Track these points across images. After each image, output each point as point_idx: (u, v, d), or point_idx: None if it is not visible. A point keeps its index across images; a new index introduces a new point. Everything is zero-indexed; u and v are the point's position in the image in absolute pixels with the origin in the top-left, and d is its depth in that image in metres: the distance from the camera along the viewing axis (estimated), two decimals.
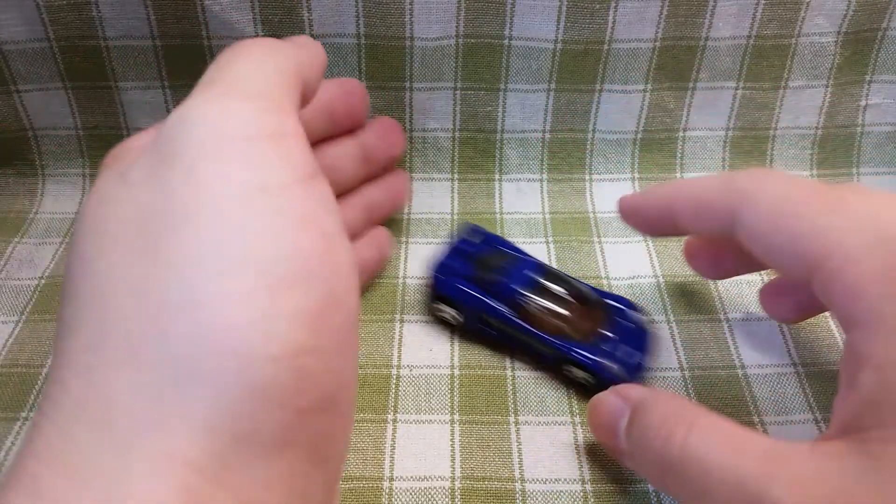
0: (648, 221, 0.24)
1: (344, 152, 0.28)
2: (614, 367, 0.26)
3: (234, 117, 0.16)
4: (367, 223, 0.30)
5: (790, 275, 0.19)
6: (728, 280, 0.31)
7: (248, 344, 0.14)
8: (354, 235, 0.29)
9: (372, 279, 0.31)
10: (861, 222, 0.17)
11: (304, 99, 0.20)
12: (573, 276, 0.30)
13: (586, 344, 0.26)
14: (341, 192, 0.28)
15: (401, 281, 0.31)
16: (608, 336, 0.27)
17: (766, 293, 0.27)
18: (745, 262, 0.25)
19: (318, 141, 0.28)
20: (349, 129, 0.29)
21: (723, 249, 0.26)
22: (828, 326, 0.29)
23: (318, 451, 0.16)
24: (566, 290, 0.28)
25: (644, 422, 0.21)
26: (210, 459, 0.14)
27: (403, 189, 0.32)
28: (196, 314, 0.14)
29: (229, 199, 0.15)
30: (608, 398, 0.23)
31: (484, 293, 0.27)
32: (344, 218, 0.22)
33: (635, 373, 0.26)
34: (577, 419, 0.26)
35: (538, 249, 0.33)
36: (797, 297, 0.25)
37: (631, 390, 0.22)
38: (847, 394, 0.17)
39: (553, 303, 0.27)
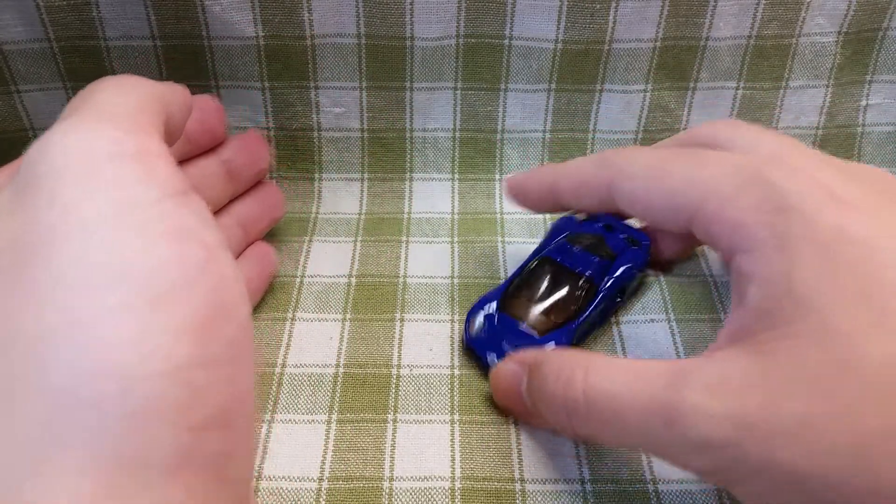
0: (533, 199, 0.27)
1: (206, 172, 0.27)
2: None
3: (96, 139, 0.16)
4: (244, 240, 0.29)
5: (671, 227, 0.21)
6: (728, 280, 0.31)
7: (128, 362, 0.13)
8: (234, 254, 0.27)
9: (260, 296, 0.29)
10: (728, 168, 0.20)
11: (170, 135, 0.20)
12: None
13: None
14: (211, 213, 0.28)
15: (401, 280, 0.31)
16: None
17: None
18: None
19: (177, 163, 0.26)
20: (208, 147, 0.28)
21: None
22: None
23: (217, 471, 0.15)
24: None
25: (541, 375, 0.22)
26: (99, 491, 0.13)
27: (277, 201, 0.31)
28: (73, 336, 0.13)
29: (97, 217, 0.14)
30: (504, 366, 0.25)
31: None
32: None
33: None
34: None
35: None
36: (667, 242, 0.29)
37: (525, 355, 0.24)
38: (735, 311, 0.19)
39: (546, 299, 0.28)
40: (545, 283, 0.28)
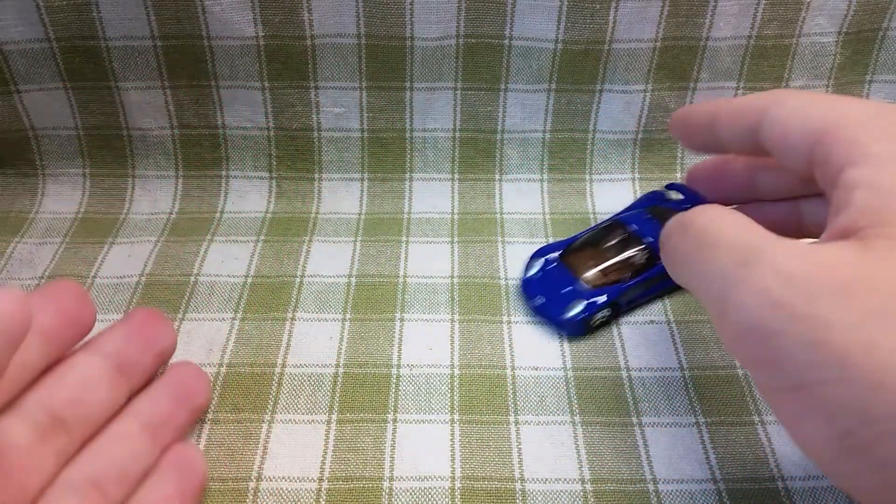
0: (696, 127, 0.26)
1: (85, 374, 0.21)
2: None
3: None
4: (153, 447, 0.22)
5: (795, 153, 0.21)
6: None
7: None
8: (146, 469, 0.22)
9: None
10: (867, 106, 0.20)
11: None
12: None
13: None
14: (99, 426, 0.21)
15: (401, 280, 0.31)
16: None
17: (692, 180, 0.29)
18: (740, 189, 0.27)
19: (38, 374, 0.21)
20: (77, 341, 0.22)
21: (721, 177, 0.28)
22: None
23: None
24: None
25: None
26: None
27: (196, 385, 0.24)
28: None
29: None
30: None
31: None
32: (122, 457, 0.20)
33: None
34: (577, 419, 0.26)
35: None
36: (720, 183, 0.28)
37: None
38: (835, 218, 0.19)
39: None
40: (609, 244, 0.30)
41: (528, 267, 0.31)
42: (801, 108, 0.21)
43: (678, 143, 0.29)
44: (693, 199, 0.30)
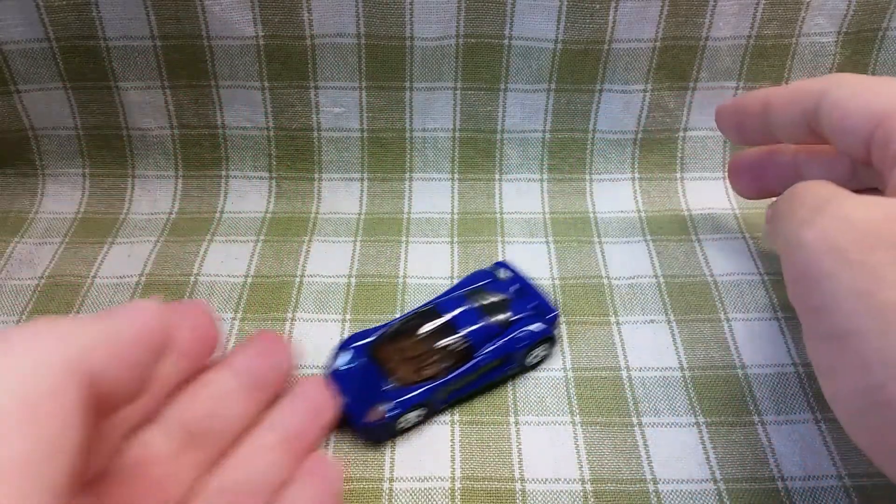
0: (746, 116, 0.26)
1: (220, 390, 0.22)
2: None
3: None
4: (293, 460, 0.23)
5: (854, 136, 0.21)
6: (728, 280, 0.31)
7: None
8: (282, 483, 0.22)
9: None
10: None
11: (108, 396, 0.16)
12: (572, 275, 0.30)
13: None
14: (234, 440, 0.22)
15: (400, 280, 0.31)
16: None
17: (736, 169, 0.29)
18: (784, 180, 0.27)
19: (174, 390, 0.22)
20: (207, 357, 0.23)
21: (766, 166, 0.28)
22: None
23: None
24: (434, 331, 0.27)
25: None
26: None
27: (322, 399, 0.24)
28: None
29: None
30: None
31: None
32: (259, 468, 0.21)
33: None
34: (577, 419, 0.26)
35: (538, 249, 0.33)
36: (764, 172, 0.29)
37: None
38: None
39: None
40: (423, 335, 0.26)
41: (335, 358, 0.27)
42: (862, 92, 0.22)
43: (725, 136, 0.28)
44: (520, 280, 0.29)
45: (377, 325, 0.28)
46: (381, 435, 0.25)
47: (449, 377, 0.25)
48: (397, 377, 0.25)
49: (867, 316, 0.16)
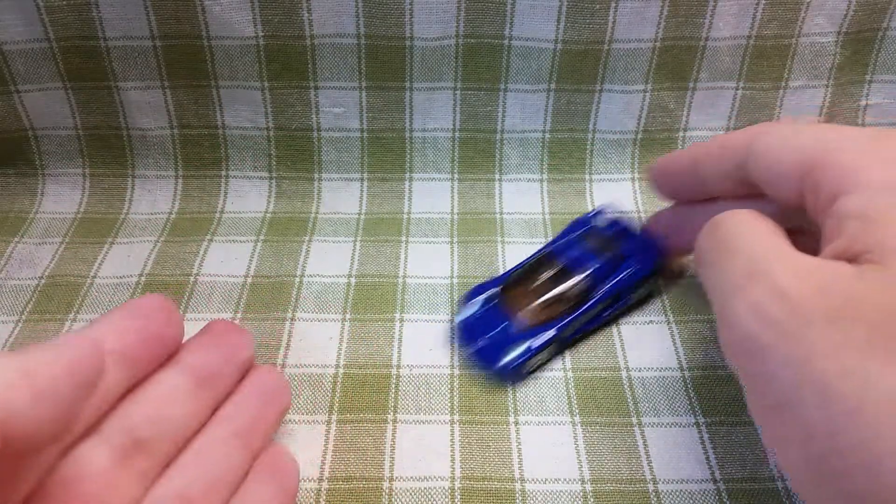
0: (675, 174, 0.27)
1: (166, 390, 0.21)
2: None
3: None
4: (246, 454, 0.22)
5: (784, 182, 0.21)
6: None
7: None
8: (239, 477, 0.21)
9: None
10: (856, 132, 0.20)
11: (36, 436, 0.15)
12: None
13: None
14: (185, 441, 0.21)
15: (400, 280, 0.31)
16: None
17: (660, 226, 0.29)
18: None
19: (123, 393, 0.20)
20: (164, 357, 0.22)
21: (687, 222, 0.27)
22: None
23: None
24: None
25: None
26: None
27: (277, 386, 0.24)
28: None
29: None
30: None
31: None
32: (213, 467, 0.20)
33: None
34: (577, 419, 0.26)
35: (539, 250, 0.33)
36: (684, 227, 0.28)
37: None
38: (831, 241, 0.19)
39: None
40: (544, 277, 0.28)
41: (464, 308, 0.29)
42: (790, 138, 0.21)
43: (658, 195, 0.28)
44: (620, 223, 0.31)
45: (496, 275, 0.30)
46: (514, 377, 0.27)
47: (572, 316, 0.27)
48: (525, 320, 0.27)
49: (805, 387, 0.16)
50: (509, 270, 0.30)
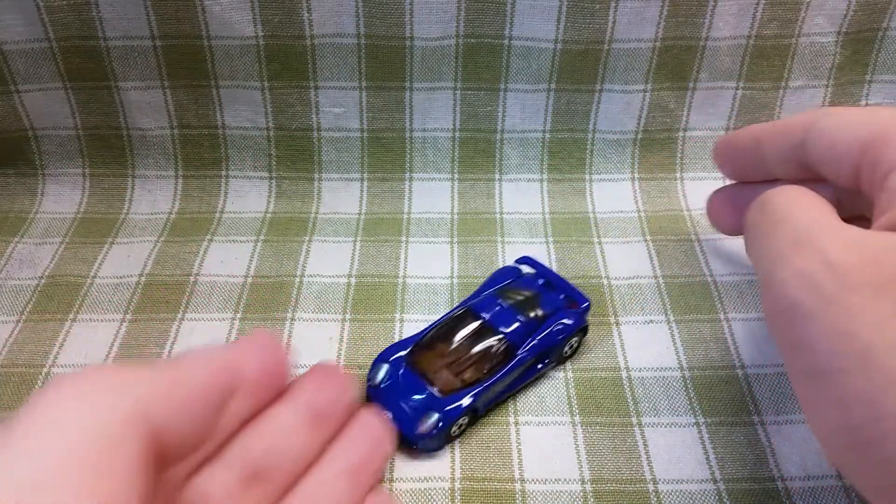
0: (739, 152, 0.26)
1: (283, 424, 0.22)
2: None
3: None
4: (359, 491, 0.22)
5: (842, 163, 0.21)
6: (728, 280, 0.31)
7: None
8: None
9: None
10: None
11: (175, 447, 0.17)
12: (572, 276, 0.30)
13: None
14: (298, 474, 0.22)
15: (400, 280, 0.31)
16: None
17: (717, 203, 0.29)
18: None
19: (240, 426, 0.21)
20: (276, 392, 0.22)
21: (745, 202, 0.27)
22: None
23: None
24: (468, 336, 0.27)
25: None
26: None
27: (380, 432, 0.24)
28: None
29: None
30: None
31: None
32: (324, 500, 0.21)
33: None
34: (577, 419, 0.26)
35: (538, 249, 0.33)
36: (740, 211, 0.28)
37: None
38: (885, 212, 0.19)
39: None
40: (460, 339, 0.26)
41: (373, 373, 0.26)
42: (847, 121, 0.22)
43: (723, 174, 0.28)
44: (546, 273, 0.30)
45: (408, 336, 0.28)
46: (435, 444, 0.25)
47: (494, 378, 0.25)
48: (440, 384, 0.25)
49: (848, 356, 0.16)
50: (424, 329, 0.28)
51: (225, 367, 0.18)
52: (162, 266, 0.32)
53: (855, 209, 0.23)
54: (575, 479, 0.24)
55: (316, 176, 0.36)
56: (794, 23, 0.33)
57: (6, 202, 0.35)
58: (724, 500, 0.23)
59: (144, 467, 0.15)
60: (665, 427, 0.26)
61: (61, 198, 0.36)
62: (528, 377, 0.27)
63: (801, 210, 0.20)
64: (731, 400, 0.26)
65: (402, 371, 0.26)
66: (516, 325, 0.27)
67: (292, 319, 0.29)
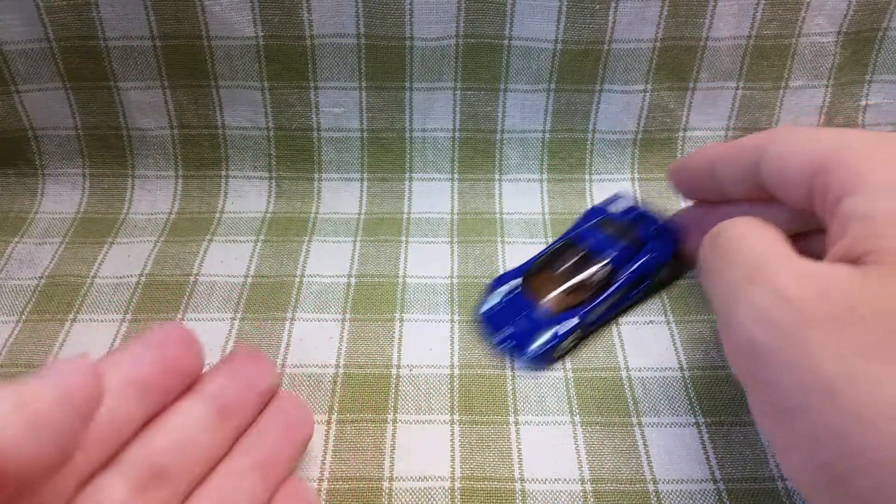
0: (693, 174, 0.27)
1: (187, 420, 0.21)
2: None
3: None
4: (265, 485, 0.21)
5: (794, 186, 0.21)
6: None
7: None
8: None
9: None
10: (863, 135, 0.21)
11: (32, 471, 0.15)
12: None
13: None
14: (206, 471, 0.21)
15: (400, 280, 0.31)
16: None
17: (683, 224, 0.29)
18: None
19: (142, 424, 0.20)
20: (183, 387, 0.21)
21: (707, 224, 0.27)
22: None
23: None
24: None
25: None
26: None
27: (299, 416, 0.23)
28: None
29: None
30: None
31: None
32: (233, 497, 0.20)
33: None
34: (577, 419, 0.26)
35: (538, 250, 0.33)
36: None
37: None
38: (835, 242, 0.19)
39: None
40: (567, 265, 0.29)
41: (488, 298, 0.29)
42: (800, 143, 0.22)
43: (679, 194, 0.29)
44: (637, 209, 0.31)
45: (516, 266, 0.30)
46: (543, 362, 0.27)
47: (596, 301, 0.28)
48: (551, 305, 0.28)
49: (811, 392, 0.16)
50: (531, 259, 0.30)
51: (86, 380, 0.17)
52: (162, 266, 0.32)
53: (812, 224, 0.23)
54: (575, 479, 0.24)
55: (316, 176, 0.36)
56: (794, 23, 0.33)
57: (6, 202, 0.35)
58: (724, 500, 0.23)
59: None
60: (665, 427, 0.26)
61: (61, 198, 0.36)
62: (626, 300, 0.29)
63: (753, 244, 0.20)
64: (731, 400, 0.26)
65: (514, 295, 0.29)
66: (616, 251, 0.29)
67: (292, 319, 0.29)
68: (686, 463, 0.24)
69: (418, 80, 0.34)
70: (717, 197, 0.26)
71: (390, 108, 0.35)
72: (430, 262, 0.32)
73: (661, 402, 0.26)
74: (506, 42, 0.33)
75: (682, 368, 0.28)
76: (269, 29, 0.32)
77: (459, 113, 0.35)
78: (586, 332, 0.28)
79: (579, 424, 0.26)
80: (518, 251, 0.33)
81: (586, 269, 0.28)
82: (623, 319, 0.29)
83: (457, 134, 0.36)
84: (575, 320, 0.27)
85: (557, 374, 0.27)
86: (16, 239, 0.34)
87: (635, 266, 0.29)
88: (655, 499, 0.23)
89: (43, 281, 0.31)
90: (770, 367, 0.17)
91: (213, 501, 0.20)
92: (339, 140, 0.35)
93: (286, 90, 0.34)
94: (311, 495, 0.22)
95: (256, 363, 0.23)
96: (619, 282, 0.28)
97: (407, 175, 0.36)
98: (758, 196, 0.24)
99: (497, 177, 0.36)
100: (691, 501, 0.23)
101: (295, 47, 0.33)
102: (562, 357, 0.28)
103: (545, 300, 0.28)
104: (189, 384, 0.21)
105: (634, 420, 0.26)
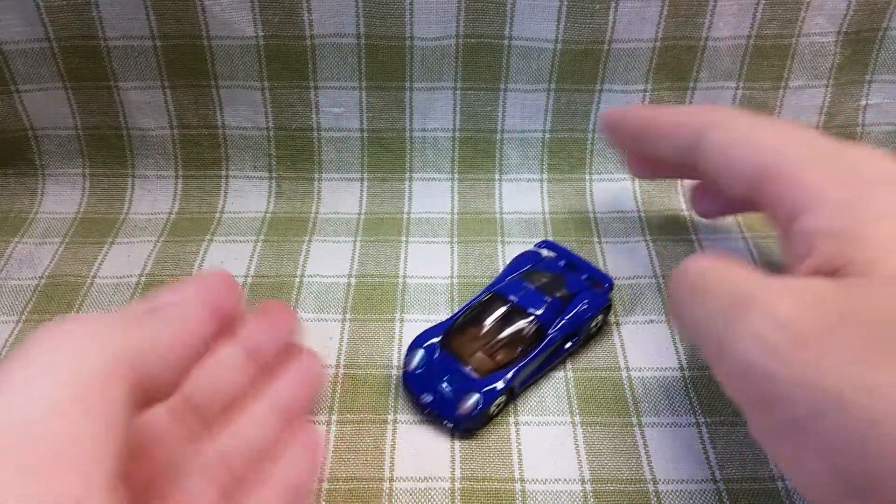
0: (629, 129, 0.27)
1: (221, 362, 0.23)
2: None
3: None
4: (284, 426, 0.24)
5: (737, 185, 0.22)
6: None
7: None
8: (275, 446, 0.23)
9: (306, 492, 0.24)
10: (810, 143, 0.22)
11: (154, 392, 0.18)
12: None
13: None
14: (231, 405, 0.23)
15: (400, 281, 0.31)
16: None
17: (697, 192, 0.29)
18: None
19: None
20: (225, 331, 0.23)
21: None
22: None
23: None
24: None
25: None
26: None
27: (312, 370, 0.25)
28: None
29: None
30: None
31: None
32: (254, 434, 0.23)
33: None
34: (577, 419, 0.26)
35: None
36: (720, 198, 0.29)
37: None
38: (804, 259, 0.20)
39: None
40: (492, 322, 0.27)
41: (409, 358, 0.27)
42: (746, 139, 0.22)
43: (605, 138, 0.28)
44: (566, 254, 0.31)
45: (438, 322, 0.28)
46: (476, 424, 0.25)
47: (527, 358, 0.26)
48: (476, 366, 0.26)
49: (822, 406, 0.16)
50: (455, 314, 0.28)
51: (202, 325, 0.20)
52: (162, 266, 0.32)
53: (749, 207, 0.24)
54: (575, 479, 0.24)
55: (316, 176, 0.36)
56: (794, 23, 0.33)
57: (6, 202, 0.35)
58: (724, 500, 0.23)
59: (127, 409, 0.16)
60: (665, 427, 0.26)
61: (61, 198, 0.36)
62: (557, 356, 0.27)
63: (729, 274, 0.20)
64: (731, 400, 0.26)
65: (436, 355, 0.27)
66: (545, 305, 0.27)
67: None
68: (686, 463, 0.24)
69: (418, 79, 0.34)
70: (649, 156, 0.27)
71: (390, 108, 0.35)
72: (430, 262, 0.32)
73: (661, 402, 0.26)
74: (506, 42, 0.33)
75: (682, 368, 0.28)
76: (270, 29, 0.32)
77: (459, 113, 0.35)
78: (515, 393, 0.26)
79: (579, 424, 0.26)
80: (518, 251, 0.33)
81: (512, 326, 0.27)
82: (623, 320, 0.29)
83: (457, 134, 0.36)
84: (505, 381, 0.25)
85: (557, 374, 0.27)
86: (16, 239, 0.34)
87: (563, 321, 0.27)
88: (655, 499, 0.23)
89: (43, 281, 0.31)
90: (774, 388, 0.17)
91: (236, 438, 0.22)
92: (339, 140, 0.35)
93: (286, 90, 0.34)
94: (320, 443, 0.25)
95: (286, 315, 0.26)
96: (548, 339, 0.26)
97: (407, 175, 0.36)
98: (687, 172, 0.25)
99: (497, 177, 0.36)
100: (691, 501, 0.23)
101: (295, 47, 0.33)
102: (492, 419, 0.26)
103: (471, 361, 0.26)
104: (228, 325, 0.23)
105: (634, 420, 0.26)
